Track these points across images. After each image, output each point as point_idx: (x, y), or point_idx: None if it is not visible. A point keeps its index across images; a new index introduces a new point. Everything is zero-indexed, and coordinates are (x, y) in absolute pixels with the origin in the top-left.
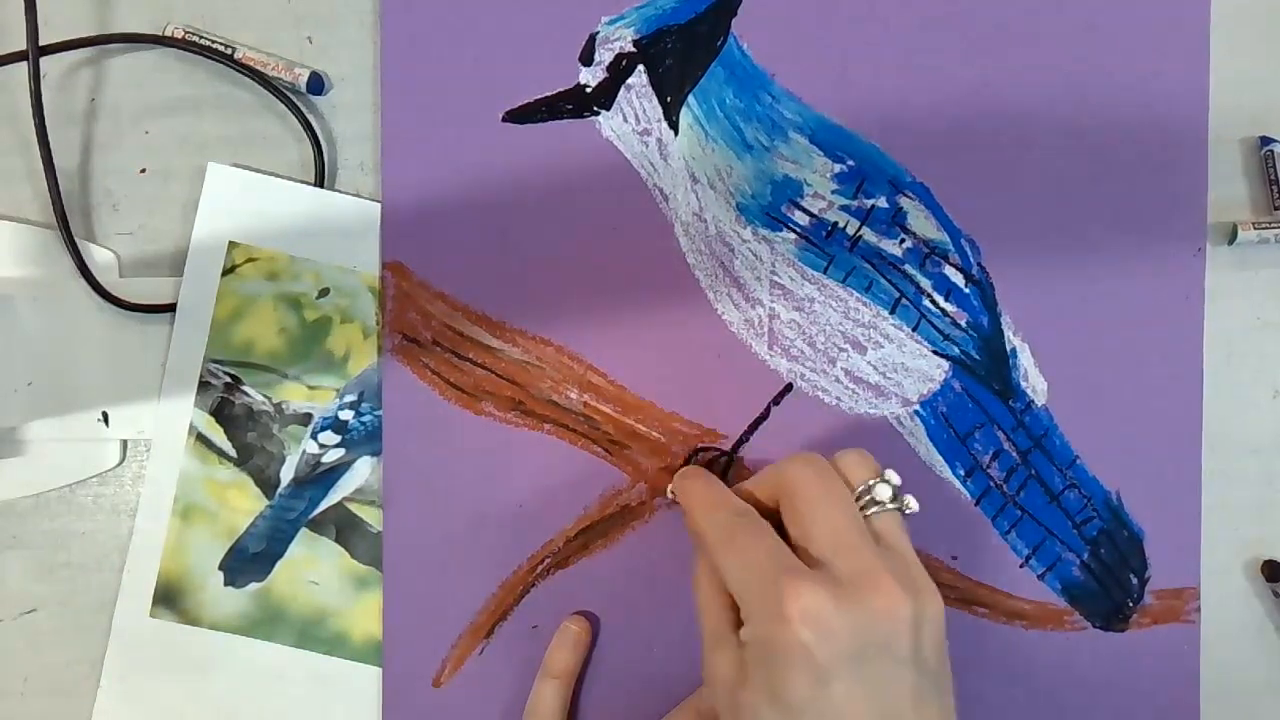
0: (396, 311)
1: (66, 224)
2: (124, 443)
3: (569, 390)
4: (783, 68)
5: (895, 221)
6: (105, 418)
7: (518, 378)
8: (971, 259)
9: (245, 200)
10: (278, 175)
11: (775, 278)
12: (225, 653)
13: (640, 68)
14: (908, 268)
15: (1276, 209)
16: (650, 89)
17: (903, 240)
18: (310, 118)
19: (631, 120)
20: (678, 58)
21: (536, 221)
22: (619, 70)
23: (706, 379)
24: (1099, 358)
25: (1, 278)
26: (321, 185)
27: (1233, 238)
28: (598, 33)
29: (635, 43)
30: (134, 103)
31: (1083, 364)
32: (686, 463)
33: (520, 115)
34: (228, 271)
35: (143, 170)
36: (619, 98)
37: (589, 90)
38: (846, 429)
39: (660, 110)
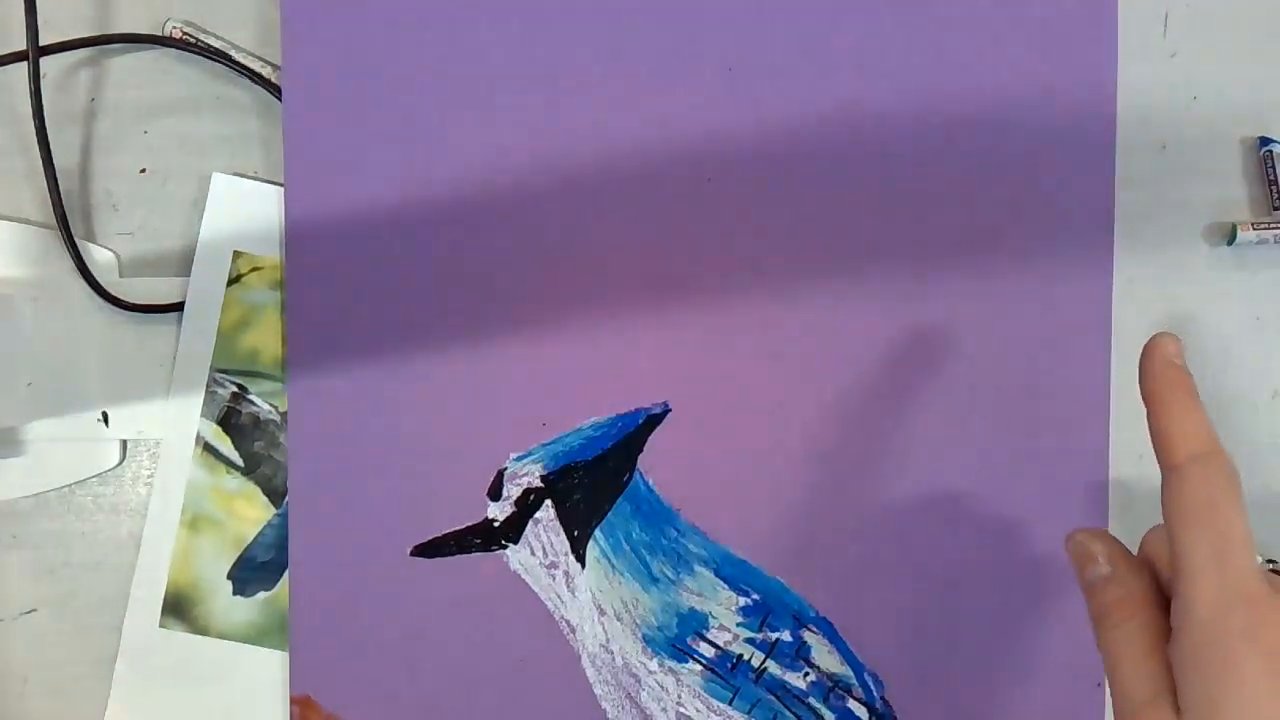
0: None
1: (66, 224)
2: (124, 443)
3: None
4: (688, 503)
5: (799, 655)
6: (105, 418)
7: None
8: (875, 693)
9: (249, 209)
10: (278, 180)
11: (681, 709)
12: (235, 662)
13: (548, 502)
14: (812, 701)
15: (1276, 209)
16: (558, 523)
17: (807, 674)
18: None
19: (539, 553)
20: (585, 493)
21: (446, 649)
22: (527, 505)
23: None
24: None
25: (1, 278)
26: None
27: (1232, 238)
28: (506, 468)
29: (543, 478)
30: (134, 103)
31: None
32: None
33: (429, 550)
34: (233, 281)
35: (143, 170)
36: (527, 531)
37: (497, 524)
38: None
39: (568, 544)
